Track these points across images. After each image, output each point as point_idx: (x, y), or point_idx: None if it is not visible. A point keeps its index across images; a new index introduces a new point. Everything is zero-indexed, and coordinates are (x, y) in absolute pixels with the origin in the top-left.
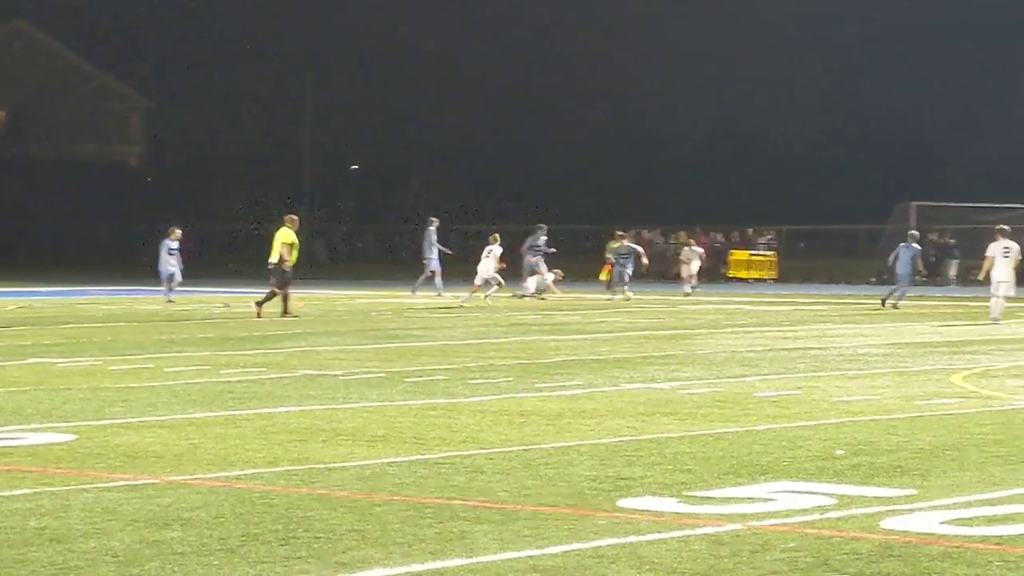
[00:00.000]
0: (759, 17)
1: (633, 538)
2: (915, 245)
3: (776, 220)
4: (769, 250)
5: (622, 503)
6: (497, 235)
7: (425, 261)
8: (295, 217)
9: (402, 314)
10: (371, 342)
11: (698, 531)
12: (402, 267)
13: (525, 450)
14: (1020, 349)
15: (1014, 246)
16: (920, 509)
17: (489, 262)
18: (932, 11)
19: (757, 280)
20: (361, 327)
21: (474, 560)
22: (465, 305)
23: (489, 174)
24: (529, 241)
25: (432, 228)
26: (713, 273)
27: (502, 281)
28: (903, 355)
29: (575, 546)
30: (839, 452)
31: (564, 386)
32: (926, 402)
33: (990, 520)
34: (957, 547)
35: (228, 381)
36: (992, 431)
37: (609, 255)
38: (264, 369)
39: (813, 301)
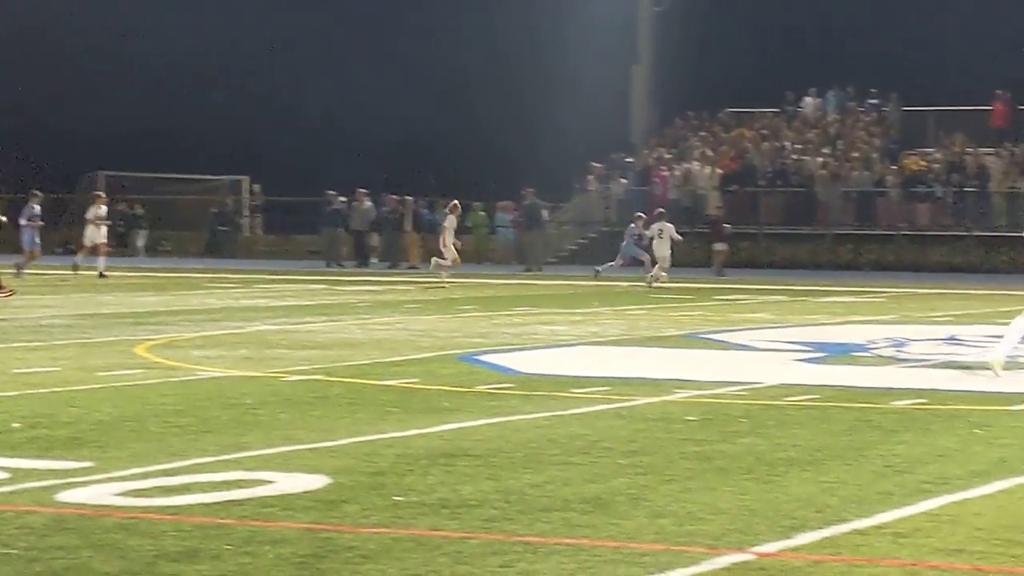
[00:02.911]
0: None
1: None
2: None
3: None
4: None
5: None
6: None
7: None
8: None
9: None
10: None
11: None
12: None
13: None
14: (207, 320)
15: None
16: (97, 481)
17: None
18: None
19: None
20: None
21: None
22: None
23: None
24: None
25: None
26: None
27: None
28: (87, 326)
29: None
30: (15, 425)
31: None
32: (108, 373)
33: (167, 490)
34: (132, 518)
35: None
36: (174, 401)
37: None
38: None
39: None
